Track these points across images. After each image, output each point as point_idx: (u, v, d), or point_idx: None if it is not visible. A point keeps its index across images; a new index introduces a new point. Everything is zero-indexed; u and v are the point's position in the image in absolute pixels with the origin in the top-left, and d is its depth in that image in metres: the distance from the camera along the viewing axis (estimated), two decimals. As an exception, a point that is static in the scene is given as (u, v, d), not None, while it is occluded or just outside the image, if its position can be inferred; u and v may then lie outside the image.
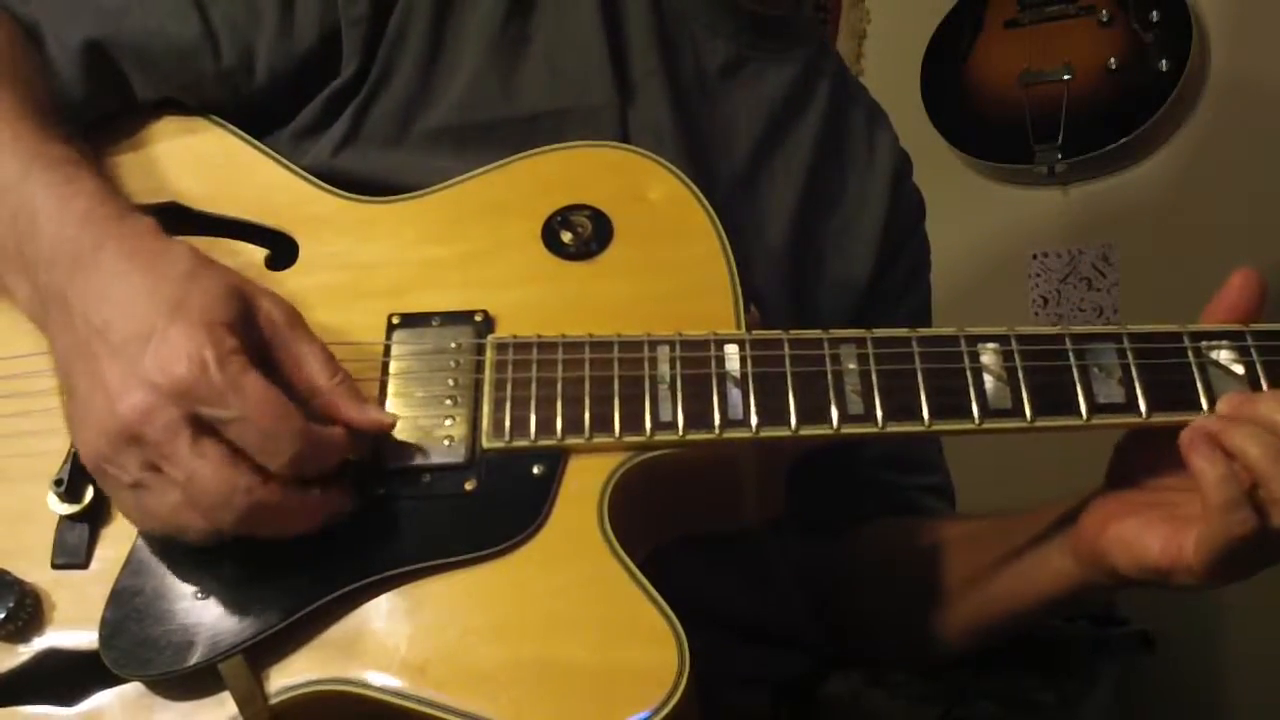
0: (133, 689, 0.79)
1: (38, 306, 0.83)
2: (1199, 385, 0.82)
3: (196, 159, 0.99)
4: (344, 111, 1.02)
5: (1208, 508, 0.77)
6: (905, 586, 1.10)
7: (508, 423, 0.84)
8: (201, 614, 0.79)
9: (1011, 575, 0.98)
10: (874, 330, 0.86)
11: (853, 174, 1.20)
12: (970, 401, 0.82)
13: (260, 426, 0.75)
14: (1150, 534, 0.82)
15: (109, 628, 0.79)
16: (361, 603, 0.80)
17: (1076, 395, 0.82)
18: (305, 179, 0.97)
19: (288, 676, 0.78)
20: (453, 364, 0.87)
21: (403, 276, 0.91)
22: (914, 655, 1.16)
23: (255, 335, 0.80)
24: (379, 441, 0.84)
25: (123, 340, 0.76)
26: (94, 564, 0.83)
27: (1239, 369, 0.82)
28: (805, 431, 0.82)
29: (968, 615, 1.04)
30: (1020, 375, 0.83)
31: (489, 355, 0.86)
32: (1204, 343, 0.83)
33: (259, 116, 1.01)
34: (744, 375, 0.84)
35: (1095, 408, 0.82)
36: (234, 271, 0.82)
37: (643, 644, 0.76)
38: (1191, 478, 0.78)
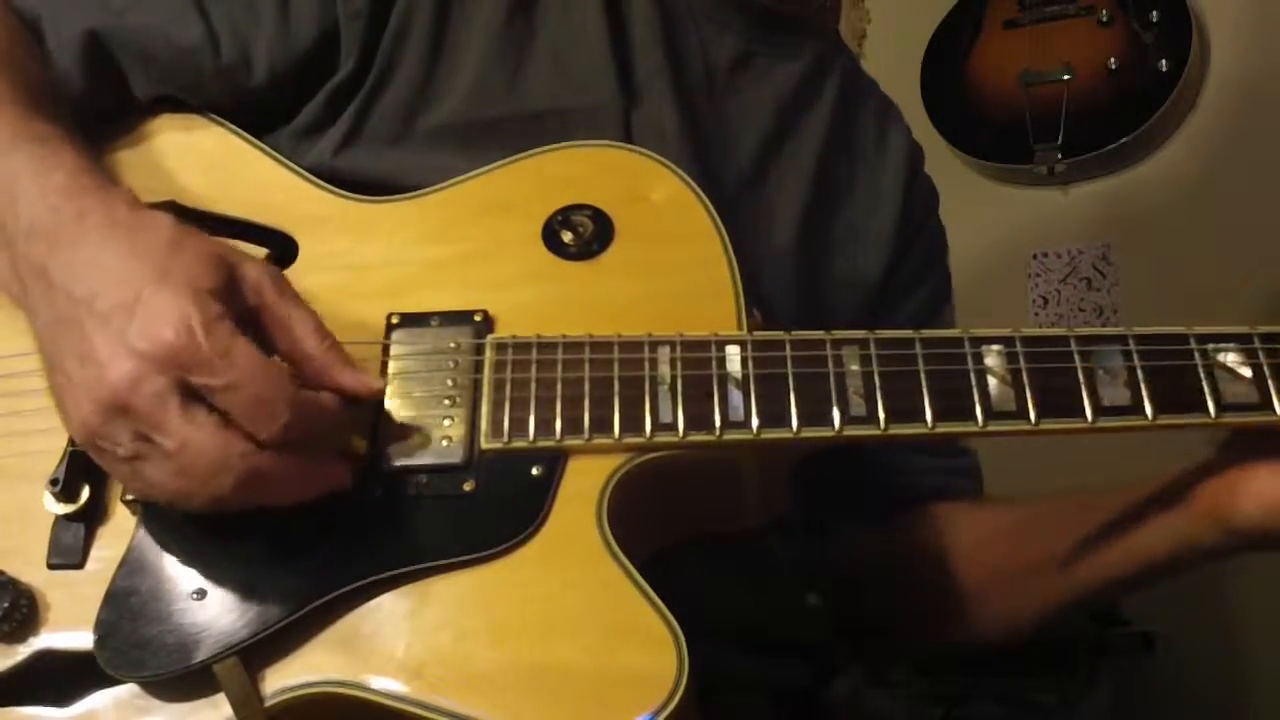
0: (128, 690, 0.79)
1: (14, 279, 0.82)
2: (1205, 388, 0.81)
3: (196, 157, 0.98)
4: (345, 110, 1.01)
5: None
6: (951, 575, 1.10)
7: (506, 423, 0.83)
8: (197, 615, 0.78)
9: (1110, 549, 0.98)
10: (877, 331, 0.85)
11: (863, 171, 1.19)
12: (974, 404, 0.82)
13: (251, 393, 0.74)
14: None
15: (104, 628, 0.78)
16: (358, 605, 0.79)
17: (1082, 398, 0.82)
18: (305, 178, 0.97)
19: (284, 678, 0.78)
20: (451, 364, 0.86)
21: (402, 276, 0.91)
22: (947, 644, 1.16)
23: (241, 302, 0.78)
24: (375, 442, 0.83)
25: (108, 309, 0.75)
26: (90, 564, 0.82)
27: (1246, 371, 0.82)
28: (806, 434, 0.82)
29: (1041, 597, 1.04)
30: (1025, 377, 0.82)
31: (488, 355, 0.86)
32: (1210, 345, 0.83)
33: (259, 115, 1.01)
34: (745, 376, 0.83)
35: (1100, 410, 0.82)
36: (217, 240, 0.81)
37: (641, 648, 0.75)
38: None
